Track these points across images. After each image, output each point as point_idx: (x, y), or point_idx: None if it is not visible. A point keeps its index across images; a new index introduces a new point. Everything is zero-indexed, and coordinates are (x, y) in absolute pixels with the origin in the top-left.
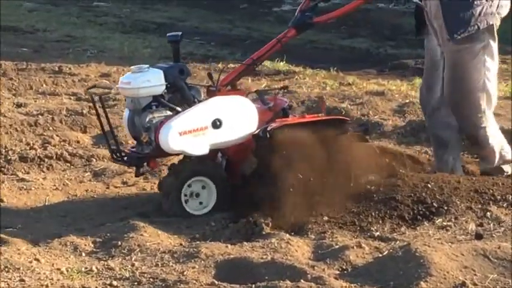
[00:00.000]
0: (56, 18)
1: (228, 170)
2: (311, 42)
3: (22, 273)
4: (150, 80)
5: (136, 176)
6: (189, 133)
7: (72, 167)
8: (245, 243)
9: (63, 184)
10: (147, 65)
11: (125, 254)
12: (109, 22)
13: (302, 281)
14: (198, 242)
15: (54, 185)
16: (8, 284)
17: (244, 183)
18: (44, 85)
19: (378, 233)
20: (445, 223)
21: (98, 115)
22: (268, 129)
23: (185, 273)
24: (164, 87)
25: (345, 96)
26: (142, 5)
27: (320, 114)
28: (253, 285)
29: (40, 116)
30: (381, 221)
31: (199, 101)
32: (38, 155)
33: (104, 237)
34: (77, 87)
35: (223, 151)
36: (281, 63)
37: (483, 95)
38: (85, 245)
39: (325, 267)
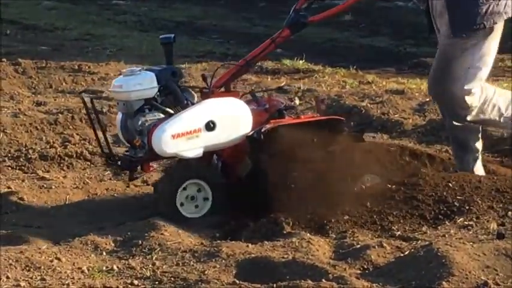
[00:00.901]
0: (75, 17)
1: (224, 172)
2: (330, 41)
3: (43, 272)
4: (142, 83)
5: (129, 180)
6: (183, 136)
7: (92, 165)
8: (266, 242)
9: (84, 183)
10: (140, 68)
11: (146, 253)
12: (128, 20)
13: (323, 280)
14: (218, 241)
15: (75, 184)
16: (29, 283)
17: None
18: (64, 83)
19: (399, 233)
20: (466, 222)
21: (90, 118)
22: (262, 130)
23: (206, 272)
24: (156, 90)
25: (364, 95)
26: (160, 4)
27: (316, 115)
28: (275, 285)
29: (60, 115)
30: (402, 221)
31: (193, 104)
32: (58, 153)
33: (124, 236)
34: (96, 85)
35: (219, 153)
36: (300, 61)
37: (463, 88)
38: (106, 244)
39: (347, 267)
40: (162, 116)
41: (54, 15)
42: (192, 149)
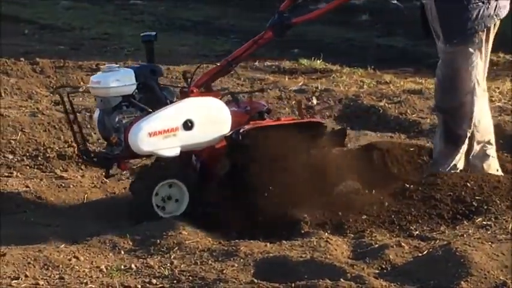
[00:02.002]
0: (93, 16)
1: (203, 172)
2: (347, 41)
3: (61, 270)
4: (120, 80)
5: (105, 178)
6: (159, 134)
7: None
8: (284, 241)
9: (102, 182)
10: (118, 65)
11: (164, 252)
12: (145, 20)
13: (342, 280)
14: (236, 241)
15: (93, 183)
16: (47, 282)
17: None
18: (82, 83)
19: (417, 232)
20: (485, 222)
21: (67, 114)
22: (241, 131)
23: (224, 271)
24: (135, 87)
25: (382, 95)
26: (178, 3)
27: (297, 118)
28: (293, 284)
29: (78, 114)
30: (420, 220)
31: (172, 102)
32: (76, 152)
33: (142, 235)
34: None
35: (197, 154)
36: (318, 61)
37: (472, 98)
38: (124, 243)
39: (365, 267)
40: (140, 113)
41: (71, 15)
42: (169, 147)
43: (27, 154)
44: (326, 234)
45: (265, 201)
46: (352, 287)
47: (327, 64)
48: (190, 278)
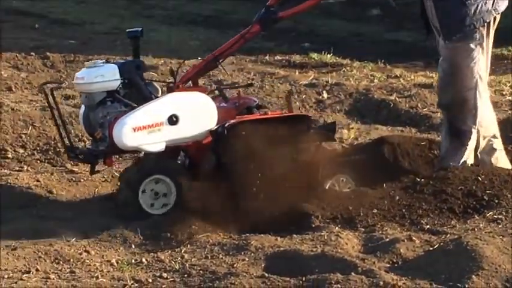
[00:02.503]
0: (104, 11)
1: (191, 168)
2: (358, 35)
3: (72, 264)
4: (104, 75)
5: (90, 174)
6: (144, 129)
7: (120, 158)
8: (295, 235)
9: (112, 176)
10: (103, 60)
11: (175, 246)
12: (156, 14)
13: (352, 274)
14: (247, 235)
15: (103, 177)
16: (58, 276)
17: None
18: None
19: (428, 226)
20: (496, 216)
21: (51, 111)
22: (226, 125)
23: (235, 265)
24: (119, 82)
25: (393, 89)
26: None
27: (284, 111)
28: (303, 278)
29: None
30: (431, 214)
31: (156, 97)
32: (87, 147)
33: (153, 229)
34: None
35: (185, 149)
36: (328, 55)
37: (474, 94)
38: (134, 237)
39: (376, 260)
40: (124, 109)
41: (82, 9)
42: (153, 142)
43: (38, 148)
44: (337, 228)
45: (251, 196)
46: (363, 281)
47: (337, 58)
48: (201, 271)
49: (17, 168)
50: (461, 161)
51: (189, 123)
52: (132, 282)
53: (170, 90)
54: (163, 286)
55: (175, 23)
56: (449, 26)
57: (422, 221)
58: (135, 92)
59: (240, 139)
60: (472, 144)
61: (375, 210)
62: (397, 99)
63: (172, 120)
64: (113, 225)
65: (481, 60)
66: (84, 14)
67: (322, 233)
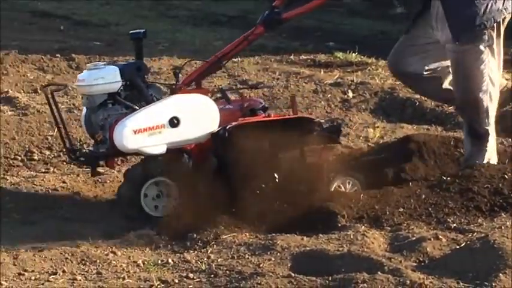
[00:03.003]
0: (128, 12)
1: (194, 169)
2: (382, 33)
3: (99, 266)
4: (105, 77)
5: (92, 176)
6: (145, 131)
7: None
8: (321, 235)
9: None
10: (104, 62)
11: (201, 247)
12: (180, 15)
13: (379, 273)
14: (273, 234)
15: None
16: (85, 277)
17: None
18: None
19: (454, 225)
20: None
21: (52, 113)
22: (227, 127)
23: (261, 265)
24: (120, 84)
25: None
26: None
27: (287, 114)
28: (330, 278)
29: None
30: (457, 213)
31: (158, 99)
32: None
33: (179, 229)
34: (149, 80)
35: (187, 151)
36: (353, 54)
37: (486, 96)
38: (161, 237)
39: (402, 259)
40: (125, 111)
41: (107, 11)
42: (154, 145)
43: (64, 150)
44: (363, 227)
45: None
46: (390, 280)
47: (362, 57)
48: (227, 272)
49: (43, 170)
50: (484, 161)
51: (190, 125)
52: (158, 282)
53: (173, 92)
54: (190, 286)
55: (200, 23)
56: (458, 26)
57: (448, 220)
58: (136, 94)
59: (242, 141)
60: (492, 143)
61: (401, 209)
62: (422, 97)
63: (174, 122)
64: (139, 226)
65: (492, 62)
66: (109, 16)
67: (348, 232)
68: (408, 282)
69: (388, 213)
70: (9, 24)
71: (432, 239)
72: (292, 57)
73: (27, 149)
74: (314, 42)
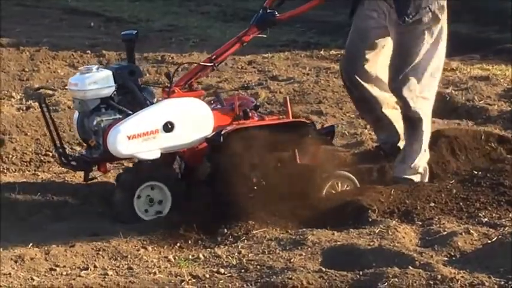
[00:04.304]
0: (158, 8)
1: (187, 174)
2: None
3: (130, 261)
4: (98, 82)
5: (85, 181)
6: (139, 137)
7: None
8: (352, 230)
9: None
10: (97, 66)
11: (231, 242)
12: (210, 11)
13: (410, 267)
14: (304, 229)
15: None
16: (116, 272)
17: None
18: (148, 74)
19: (486, 219)
20: None
21: (44, 117)
22: (222, 132)
23: (292, 260)
24: (113, 89)
25: (449, 82)
26: None
27: (281, 117)
28: (361, 272)
29: None
30: (488, 207)
31: (152, 103)
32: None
33: (209, 225)
34: (179, 76)
35: (181, 155)
36: None
37: (422, 78)
38: (191, 232)
39: (433, 254)
40: (118, 115)
41: (137, 7)
42: (148, 150)
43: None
44: (394, 222)
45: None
46: (421, 275)
47: None
48: (258, 267)
49: None
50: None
51: (184, 130)
52: (189, 278)
53: (167, 94)
54: (221, 282)
55: (229, 19)
56: (404, 7)
57: (479, 214)
58: (129, 98)
59: (236, 147)
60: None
61: (432, 204)
62: (453, 92)
63: (168, 127)
64: (169, 221)
65: (436, 44)
66: (139, 12)
67: (379, 227)
68: (439, 276)
69: (419, 207)
70: (41, 21)
71: (463, 233)
72: (322, 52)
73: (58, 146)
74: (344, 37)
